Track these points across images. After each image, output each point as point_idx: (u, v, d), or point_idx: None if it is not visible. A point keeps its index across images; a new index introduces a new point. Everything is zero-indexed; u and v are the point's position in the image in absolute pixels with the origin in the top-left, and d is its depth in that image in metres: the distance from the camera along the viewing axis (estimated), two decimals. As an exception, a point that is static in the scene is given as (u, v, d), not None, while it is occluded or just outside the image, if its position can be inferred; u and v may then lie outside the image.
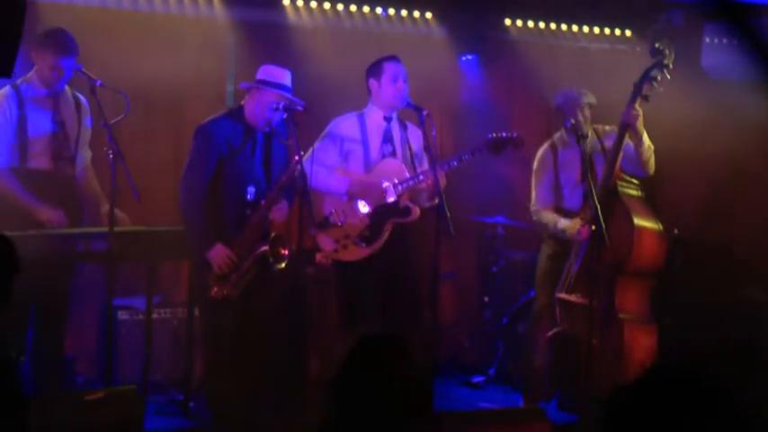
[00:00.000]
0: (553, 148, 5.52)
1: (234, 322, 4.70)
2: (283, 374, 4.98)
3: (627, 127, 5.13)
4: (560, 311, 5.21)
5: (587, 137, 5.28)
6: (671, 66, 5.14)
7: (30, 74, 4.92)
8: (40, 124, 4.89)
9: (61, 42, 4.83)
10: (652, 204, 5.32)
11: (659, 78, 5.14)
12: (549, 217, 5.41)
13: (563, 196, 5.46)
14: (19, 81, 4.89)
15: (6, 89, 4.86)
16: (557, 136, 5.56)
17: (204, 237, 4.67)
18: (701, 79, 6.49)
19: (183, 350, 5.27)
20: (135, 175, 4.56)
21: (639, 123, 5.13)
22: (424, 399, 2.13)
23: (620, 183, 5.18)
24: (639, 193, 5.27)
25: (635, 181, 5.27)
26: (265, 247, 4.68)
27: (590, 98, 5.40)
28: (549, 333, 5.21)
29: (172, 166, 5.63)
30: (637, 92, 5.13)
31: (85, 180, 5.13)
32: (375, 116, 5.13)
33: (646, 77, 5.14)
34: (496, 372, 6.19)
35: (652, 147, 5.26)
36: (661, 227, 5.19)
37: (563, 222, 5.32)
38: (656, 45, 5.20)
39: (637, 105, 5.12)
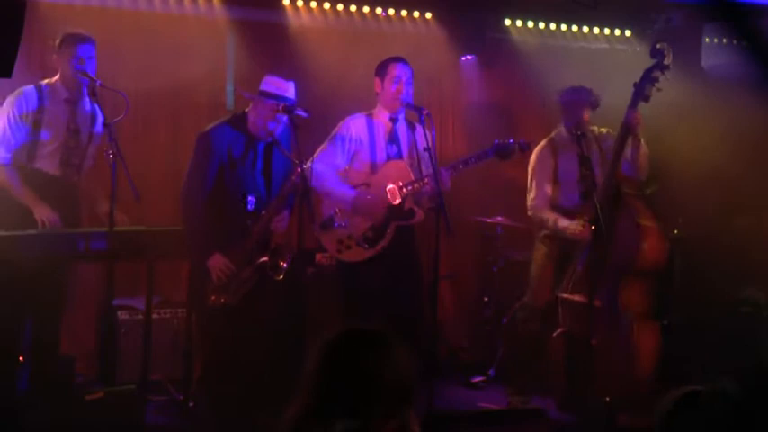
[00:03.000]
0: (552, 146, 5.50)
1: (231, 326, 4.69)
2: (283, 374, 4.98)
3: (629, 129, 5.12)
4: (563, 311, 5.21)
5: (587, 136, 5.28)
6: (670, 66, 5.15)
7: (54, 77, 4.92)
8: (54, 128, 4.88)
9: (78, 34, 4.87)
10: (653, 204, 5.31)
11: (660, 79, 5.14)
12: (548, 215, 5.40)
13: (560, 195, 5.44)
14: (43, 82, 4.90)
15: (29, 87, 4.87)
16: (555, 134, 5.54)
17: (203, 245, 4.66)
18: (700, 79, 6.49)
19: (182, 350, 5.27)
20: (135, 175, 4.56)
21: (640, 126, 5.13)
22: (403, 397, 2.13)
23: (622, 184, 5.19)
24: (640, 193, 5.27)
25: (634, 182, 5.27)
26: (265, 258, 4.66)
27: (596, 100, 5.39)
28: (555, 333, 5.21)
29: (171, 166, 5.62)
30: (638, 93, 5.12)
31: (83, 183, 5.11)
32: (381, 117, 5.11)
33: (647, 78, 5.13)
34: (496, 372, 6.19)
35: (648, 152, 5.27)
36: (661, 226, 5.19)
37: (564, 222, 5.30)
38: (657, 45, 5.20)
39: (638, 107, 5.12)
